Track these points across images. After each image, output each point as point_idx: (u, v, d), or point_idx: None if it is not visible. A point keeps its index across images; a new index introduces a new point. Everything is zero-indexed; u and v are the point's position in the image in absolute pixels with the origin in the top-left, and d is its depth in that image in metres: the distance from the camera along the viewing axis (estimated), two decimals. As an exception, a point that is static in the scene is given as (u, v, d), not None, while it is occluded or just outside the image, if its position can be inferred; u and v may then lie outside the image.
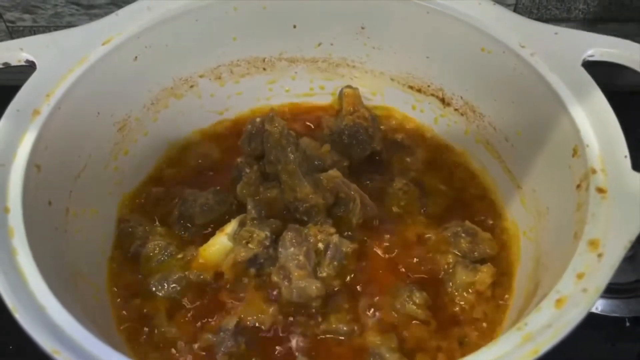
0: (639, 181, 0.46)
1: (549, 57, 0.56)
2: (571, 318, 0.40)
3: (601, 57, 0.55)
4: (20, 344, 0.63)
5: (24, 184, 0.49)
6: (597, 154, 0.49)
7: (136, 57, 0.62)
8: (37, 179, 0.51)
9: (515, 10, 0.81)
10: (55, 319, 0.41)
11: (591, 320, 0.63)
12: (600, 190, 0.47)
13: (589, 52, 0.55)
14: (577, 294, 0.41)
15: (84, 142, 0.59)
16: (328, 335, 0.55)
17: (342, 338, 0.55)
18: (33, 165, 0.51)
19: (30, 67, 0.56)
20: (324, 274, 0.57)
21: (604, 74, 0.55)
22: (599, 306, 0.65)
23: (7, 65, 0.56)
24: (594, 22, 0.83)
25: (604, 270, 0.42)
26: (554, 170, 0.54)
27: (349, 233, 0.61)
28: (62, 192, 0.56)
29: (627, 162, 0.48)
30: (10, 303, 0.41)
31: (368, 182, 0.66)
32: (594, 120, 0.51)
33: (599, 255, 0.43)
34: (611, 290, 0.65)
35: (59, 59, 0.57)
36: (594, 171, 0.48)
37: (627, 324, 0.65)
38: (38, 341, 0.39)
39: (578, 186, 0.50)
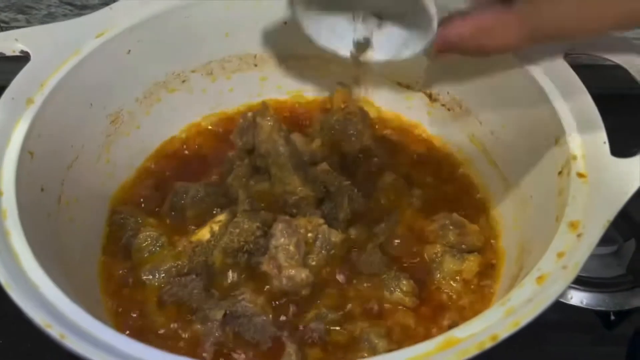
0: (618, 165, 0.48)
1: (532, 51, 0.57)
2: (551, 293, 0.41)
3: (582, 50, 0.56)
4: (4, 344, 0.63)
5: (17, 169, 0.50)
6: (578, 141, 0.51)
7: (129, 50, 0.62)
8: (31, 166, 0.52)
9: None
10: (47, 296, 0.42)
11: (577, 313, 0.64)
12: (581, 175, 0.48)
13: (571, 46, 0.56)
14: (557, 271, 0.42)
15: (77, 133, 0.60)
16: (317, 324, 0.55)
17: (331, 325, 0.55)
18: (26, 152, 0.52)
19: (25, 57, 0.57)
20: (314, 263, 0.58)
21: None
22: (585, 300, 0.66)
23: (2, 56, 0.57)
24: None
25: (582, 249, 0.43)
26: (537, 160, 0.55)
27: (338, 225, 0.61)
28: (54, 181, 0.56)
29: (606, 147, 0.49)
30: (3, 280, 0.42)
31: (358, 176, 0.66)
32: (574, 108, 0.52)
33: (579, 235, 0.44)
34: (597, 285, 0.66)
35: (53, 50, 0.58)
36: (574, 157, 0.50)
37: (612, 317, 0.65)
38: (31, 315, 0.40)
39: (560, 172, 0.51)
